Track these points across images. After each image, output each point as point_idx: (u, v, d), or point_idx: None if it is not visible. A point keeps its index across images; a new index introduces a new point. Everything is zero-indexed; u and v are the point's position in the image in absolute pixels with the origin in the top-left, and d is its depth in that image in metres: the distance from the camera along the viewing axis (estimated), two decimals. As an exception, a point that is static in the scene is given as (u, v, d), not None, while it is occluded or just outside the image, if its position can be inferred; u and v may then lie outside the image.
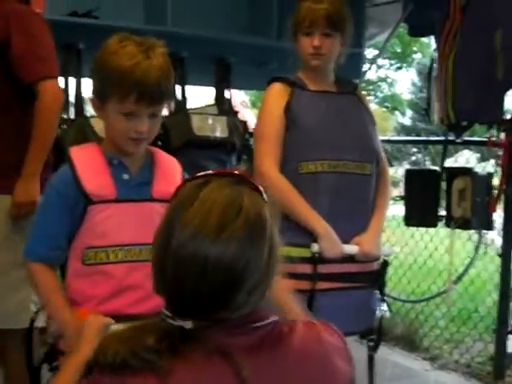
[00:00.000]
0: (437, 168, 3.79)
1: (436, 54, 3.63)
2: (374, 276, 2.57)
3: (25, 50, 2.48)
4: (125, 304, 1.78)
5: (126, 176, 1.84)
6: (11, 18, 2.50)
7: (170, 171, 1.92)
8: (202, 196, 1.20)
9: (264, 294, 1.24)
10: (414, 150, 12.70)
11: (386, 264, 2.59)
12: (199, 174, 1.26)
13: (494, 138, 3.50)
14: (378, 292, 2.58)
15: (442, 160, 3.69)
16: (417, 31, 4.17)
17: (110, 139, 1.86)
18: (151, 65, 1.74)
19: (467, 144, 4.54)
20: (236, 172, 1.28)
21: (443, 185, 3.65)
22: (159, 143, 3.30)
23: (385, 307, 2.60)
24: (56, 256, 1.82)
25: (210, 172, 1.27)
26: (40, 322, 2.14)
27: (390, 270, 2.68)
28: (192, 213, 1.18)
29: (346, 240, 2.48)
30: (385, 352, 4.03)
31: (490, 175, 3.60)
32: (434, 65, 3.68)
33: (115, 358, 1.17)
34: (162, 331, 1.20)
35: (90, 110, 2.43)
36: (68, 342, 1.71)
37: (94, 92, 1.83)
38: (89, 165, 1.82)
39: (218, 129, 3.52)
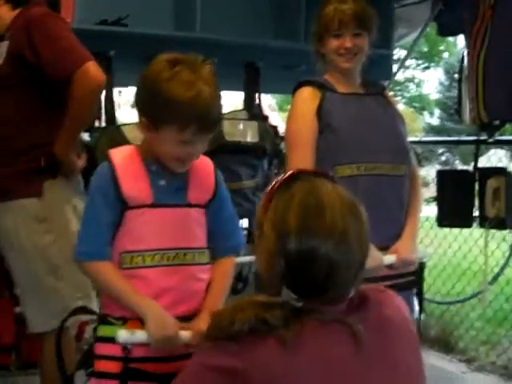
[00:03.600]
0: (469, 168, 3.76)
1: (466, 53, 3.59)
2: (411, 277, 2.53)
3: (52, 52, 2.47)
4: (161, 307, 1.79)
5: (162, 182, 1.85)
6: (31, 29, 2.50)
7: (204, 175, 1.92)
8: (325, 200, 1.41)
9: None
10: (444, 149, 12.61)
11: (422, 267, 2.57)
12: (288, 176, 1.51)
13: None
14: (415, 294, 2.56)
15: (475, 160, 3.64)
16: (446, 30, 4.14)
17: (152, 153, 1.83)
18: (210, 94, 1.73)
19: (499, 143, 4.49)
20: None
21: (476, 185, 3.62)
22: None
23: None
24: (108, 252, 1.81)
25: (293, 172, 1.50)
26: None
27: (425, 272, 2.65)
28: (329, 219, 1.37)
29: (388, 245, 2.44)
30: (420, 354, 4.00)
31: (524, 174, 3.56)
32: (464, 64, 3.65)
33: (243, 325, 1.31)
34: (283, 306, 1.36)
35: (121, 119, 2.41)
36: (153, 326, 1.74)
37: (147, 116, 1.78)
38: (128, 168, 1.82)
39: (249, 134, 3.52)
